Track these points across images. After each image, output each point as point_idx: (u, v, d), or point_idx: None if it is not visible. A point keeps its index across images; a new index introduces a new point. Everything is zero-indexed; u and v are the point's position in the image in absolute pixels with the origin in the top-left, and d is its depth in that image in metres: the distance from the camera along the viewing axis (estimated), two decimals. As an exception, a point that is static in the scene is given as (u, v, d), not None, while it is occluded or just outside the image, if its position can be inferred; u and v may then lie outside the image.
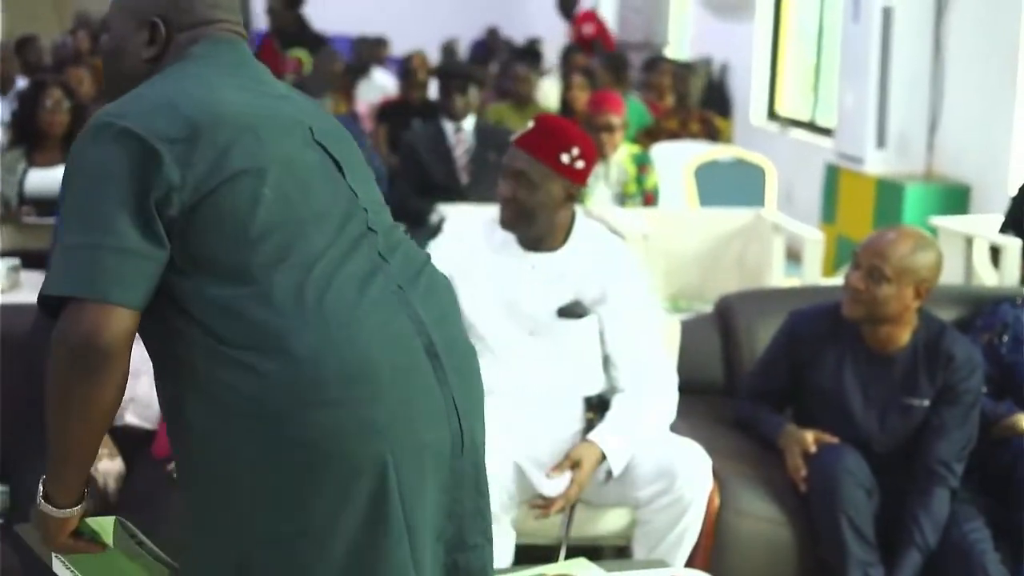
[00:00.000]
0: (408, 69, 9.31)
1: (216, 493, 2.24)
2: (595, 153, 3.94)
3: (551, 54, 14.13)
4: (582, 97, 8.67)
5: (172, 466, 3.28)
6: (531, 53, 13.33)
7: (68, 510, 2.26)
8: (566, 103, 9.24)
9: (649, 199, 6.67)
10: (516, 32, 16.26)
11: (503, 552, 3.71)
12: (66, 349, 2.13)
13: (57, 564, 2.42)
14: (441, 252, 3.99)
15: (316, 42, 10.74)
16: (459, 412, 2.34)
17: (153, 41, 2.39)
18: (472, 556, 2.40)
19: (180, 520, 2.37)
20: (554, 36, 15.29)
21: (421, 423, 2.27)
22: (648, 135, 8.33)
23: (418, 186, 6.97)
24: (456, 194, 6.81)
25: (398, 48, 12.67)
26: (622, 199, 6.61)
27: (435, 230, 4.77)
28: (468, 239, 3.99)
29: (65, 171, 2.24)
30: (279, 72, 9.67)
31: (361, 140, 6.77)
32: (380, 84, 11.82)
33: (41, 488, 2.26)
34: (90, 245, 2.13)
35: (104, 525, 2.34)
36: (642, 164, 6.74)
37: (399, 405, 2.24)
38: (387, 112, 9.16)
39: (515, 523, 3.78)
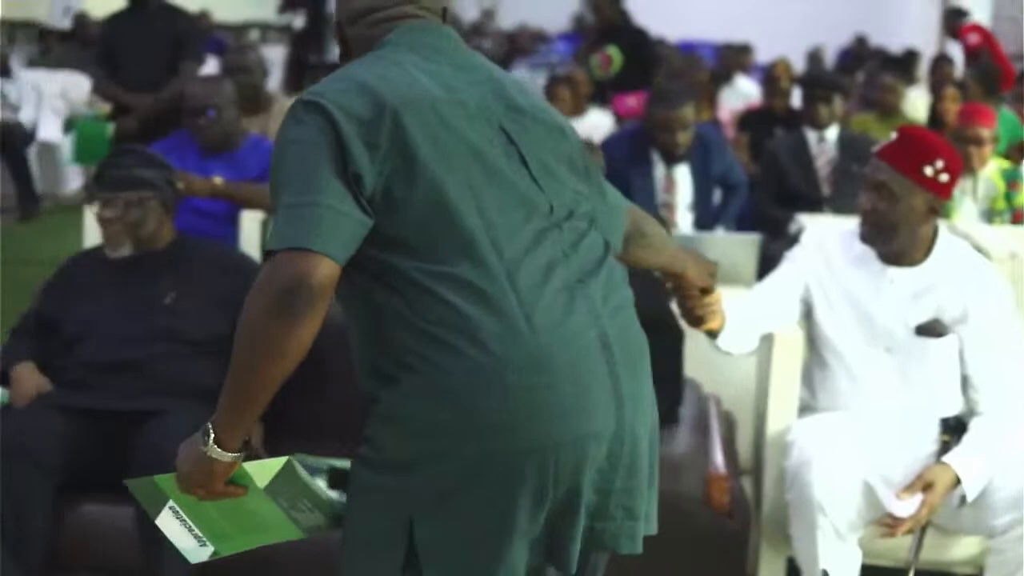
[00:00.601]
0: (771, 77, 9.23)
1: (400, 454, 2.32)
2: (960, 166, 3.84)
3: (921, 65, 13.80)
4: (953, 109, 8.42)
5: None
6: (904, 63, 13.03)
7: (238, 453, 2.31)
8: (935, 115, 8.99)
9: (1019, 217, 6.44)
10: (886, 40, 15.94)
11: (848, 570, 3.67)
12: (276, 290, 2.18)
13: (167, 516, 2.41)
14: (798, 262, 3.96)
15: (635, 38, 10.64)
16: (624, 402, 2.39)
17: (342, 39, 2.56)
18: (609, 524, 2.46)
19: (355, 469, 2.40)
20: (927, 46, 14.94)
21: (589, 412, 2.34)
22: (1020, 150, 8.03)
23: (778, 195, 6.91)
24: (817, 204, 6.71)
25: (763, 55, 12.60)
26: (990, 215, 6.40)
27: (793, 239, 4.71)
28: (825, 250, 3.95)
29: (276, 144, 2.35)
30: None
31: (722, 147, 6.76)
32: (743, 91, 11.77)
33: (212, 433, 2.28)
34: (308, 203, 2.23)
35: (267, 467, 2.33)
36: (1012, 180, 6.50)
37: (571, 395, 2.31)
38: (749, 120, 9.11)
39: (862, 542, 3.72)
